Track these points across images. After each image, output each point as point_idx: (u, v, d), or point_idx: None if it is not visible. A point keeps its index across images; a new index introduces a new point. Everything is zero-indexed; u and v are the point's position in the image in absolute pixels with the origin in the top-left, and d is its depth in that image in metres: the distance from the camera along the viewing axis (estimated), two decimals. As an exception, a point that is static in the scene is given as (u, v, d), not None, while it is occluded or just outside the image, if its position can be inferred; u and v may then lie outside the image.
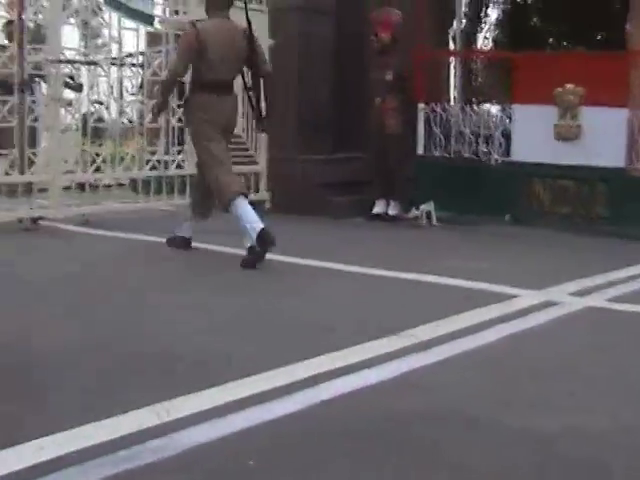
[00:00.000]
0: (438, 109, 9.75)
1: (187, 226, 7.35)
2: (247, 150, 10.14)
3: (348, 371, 3.85)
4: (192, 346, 4.31)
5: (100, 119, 9.21)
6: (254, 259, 6.45)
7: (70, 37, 8.82)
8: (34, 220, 8.49)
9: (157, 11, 9.49)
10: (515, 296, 5.63)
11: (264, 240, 6.40)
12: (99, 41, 8.93)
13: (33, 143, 8.88)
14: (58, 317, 4.93)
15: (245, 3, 7.53)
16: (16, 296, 5.46)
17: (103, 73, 8.97)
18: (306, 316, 5.01)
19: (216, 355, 4.13)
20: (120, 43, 9.22)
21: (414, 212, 9.53)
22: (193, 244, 7.33)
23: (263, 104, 7.30)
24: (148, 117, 8.80)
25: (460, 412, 3.41)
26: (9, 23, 8.88)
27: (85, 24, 8.82)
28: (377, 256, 7.21)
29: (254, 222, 6.49)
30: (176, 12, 9.71)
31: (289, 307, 5.29)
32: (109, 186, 9.42)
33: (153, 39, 9.34)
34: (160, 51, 9.39)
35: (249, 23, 7.19)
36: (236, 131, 9.77)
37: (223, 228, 7.10)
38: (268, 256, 6.55)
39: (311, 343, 4.36)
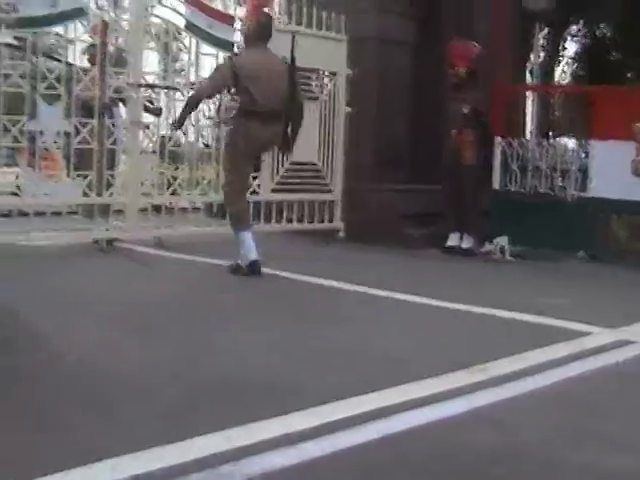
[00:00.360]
0: (515, 143, 9.70)
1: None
2: (323, 178, 10.19)
3: (418, 404, 3.82)
4: (262, 373, 4.32)
5: (177, 143, 9.31)
6: (235, 272, 7.45)
7: (149, 61, 8.96)
8: (109, 241, 8.62)
9: (236, 37, 9.59)
10: (588, 333, 5.53)
11: (253, 269, 7.38)
12: (177, 65, 9.03)
13: (111, 165, 9.02)
14: (132, 339, 4.99)
15: (293, 38, 7.94)
16: (91, 317, 5.54)
17: (182, 97, 9.10)
18: (377, 347, 5.01)
19: (286, 383, 4.13)
20: (198, 68, 9.38)
21: (488, 246, 9.47)
22: (263, 269, 7.41)
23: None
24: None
25: (532, 450, 3.37)
26: (91, 47, 9.04)
27: (165, 48, 8.94)
28: (449, 289, 7.17)
29: (251, 252, 7.43)
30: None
31: (359, 337, 5.28)
32: (185, 209, 9.52)
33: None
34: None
35: (293, 59, 7.77)
36: (313, 159, 9.89)
37: (292, 254, 7.14)
38: (344, 286, 6.77)
39: (381, 374, 4.34)
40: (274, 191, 9.79)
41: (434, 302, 6.46)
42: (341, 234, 10.23)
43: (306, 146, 9.86)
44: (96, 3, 8.74)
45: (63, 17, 8.21)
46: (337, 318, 5.91)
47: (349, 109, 10.33)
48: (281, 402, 3.76)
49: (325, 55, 10.21)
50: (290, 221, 10.00)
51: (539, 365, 4.64)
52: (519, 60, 12.99)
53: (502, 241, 9.32)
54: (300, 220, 10.06)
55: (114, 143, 8.87)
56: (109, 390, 3.92)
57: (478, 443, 3.42)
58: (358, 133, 10.52)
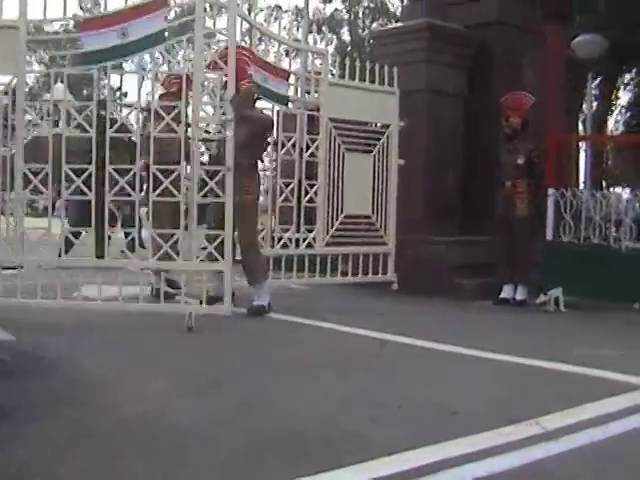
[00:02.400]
0: (568, 194, 9.68)
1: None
2: (377, 231, 10.25)
3: (473, 458, 3.83)
4: (321, 425, 4.36)
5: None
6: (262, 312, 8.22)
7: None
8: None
9: (290, 92, 9.73)
10: (644, 388, 5.50)
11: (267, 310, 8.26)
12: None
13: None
14: (185, 391, 5.08)
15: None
16: (160, 368, 5.70)
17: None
18: (432, 399, 5.02)
19: (342, 435, 4.17)
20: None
21: (542, 297, 9.43)
22: (327, 325, 7.56)
23: None
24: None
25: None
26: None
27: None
28: (503, 341, 7.15)
29: (268, 297, 8.39)
30: (307, 92, 9.95)
31: (410, 389, 5.30)
32: (240, 261, 9.60)
33: (285, 119, 9.57)
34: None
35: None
36: (366, 212, 9.96)
37: (346, 307, 7.17)
38: (396, 338, 6.90)
39: (436, 427, 4.37)
40: (328, 244, 9.86)
41: (487, 354, 6.47)
42: (395, 286, 10.26)
43: (360, 199, 9.95)
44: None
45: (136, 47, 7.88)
46: (389, 370, 5.94)
47: (401, 161, 10.40)
48: (339, 454, 3.80)
49: (378, 108, 10.32)
50: (344, 274, 10.05)
51: (595, 418, 4.61)
52: (571, 110, 12.99)
53: (556, 292, 9.27)
54: (355, 273, 10.11)
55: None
56: (170, 440, 4.01)
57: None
58: (409, 185, 10.59)
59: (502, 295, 9.73)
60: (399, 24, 13.82)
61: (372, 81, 10.21)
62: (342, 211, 9.86)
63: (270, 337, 7.30)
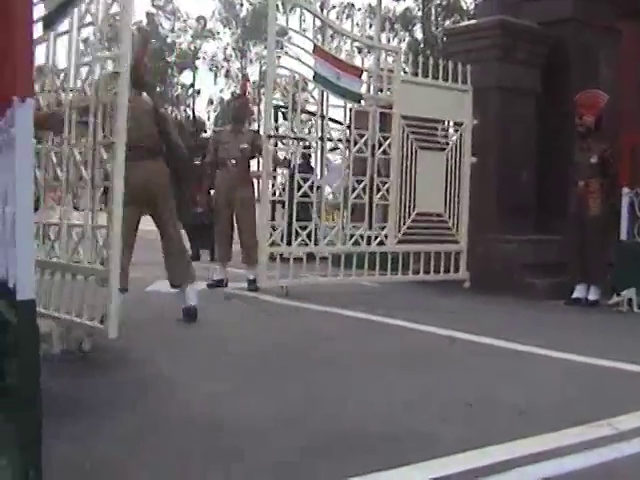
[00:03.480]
0: (643, 193, 9.54)
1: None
2: (449, 229, 10.24)
3: (542, 458, 3.81)
4: (383, 423, 4.38)
5: (306, 194, 9.47)
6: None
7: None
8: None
9: (362, 89, 9.75)
10: None
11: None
12: (303, 117, 9.19)
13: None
14: (252, 388, 5.14)
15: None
16: (210, 364, 5.80)
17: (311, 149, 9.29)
18: (500, 398, 5.00)
19: (408, 433, 4.18)
20: (324, 119, 9.59)
21: (615, 298, 9.30)
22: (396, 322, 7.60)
23: None
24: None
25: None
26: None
27: (294, 100, 9.14)
28: (574, 341, 7.08)
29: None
30: (380, 90, 9.96)
31: (482, 387, 5.30)
32: (312, 258, 9.65)
33: (358, 116, 9.60)
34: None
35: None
36: (439, 210, 9.96)
37: (418, 305, 7.17)
38: (467, 336, 6.95)
39: (504, 426, 4.36)
40: (400, 242, 9.88)
41: (558, 354, 6.42)
42: (466, 284, 10.23)
43: (432, 196, 9.95)
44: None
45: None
46: (457, 368, 5.94)
47: (474, 159, 10.37)
48: (402, 452, 3.81)
49: (450, 105, 10.33)
50: (416, 272, 10.06)
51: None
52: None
53: (630, 293, 9.14)
54: (426, 271, 10.11)
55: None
56: (224, 439, 4.05)
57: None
58: (482, 183, 10.54)
59: (574, 295, 9.62)
60: (472, 21, 13.71)
61: (445, 79, 10.19)
62: (414, 209, 9.87)
63: (336, 334, 7.33)
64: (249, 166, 10.17)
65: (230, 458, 3.75)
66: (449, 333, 7.16)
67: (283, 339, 6.85)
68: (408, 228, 9.94)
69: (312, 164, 10.20)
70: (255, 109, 54.09)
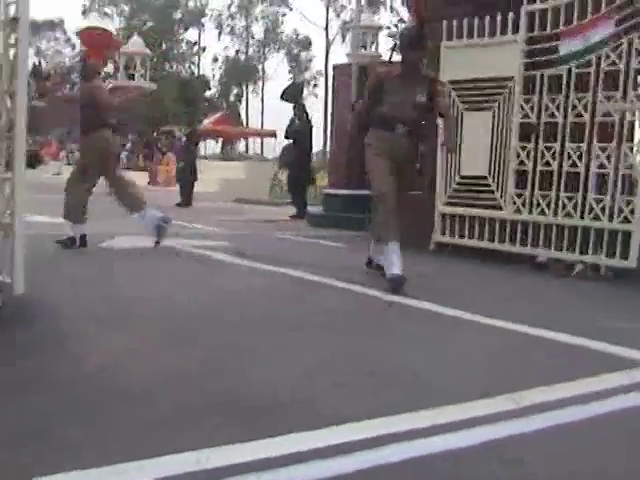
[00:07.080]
0: None
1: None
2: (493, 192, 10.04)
3: (429, 433, 3.54)
4: (280, 389, 4.14)
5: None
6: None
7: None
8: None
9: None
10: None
11: (397, 282, 7.26)
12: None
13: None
14: (164, 346, 4.96)
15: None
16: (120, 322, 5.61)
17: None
18: (410, 368, 4.75)
19: (301, 401, 3.95)
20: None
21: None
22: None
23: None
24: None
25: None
26: None
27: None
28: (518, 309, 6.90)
29: (395, 265, 7.35)
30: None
31: (396, 355, 5.06)
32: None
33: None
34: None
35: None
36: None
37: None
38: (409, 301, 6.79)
39: (403, 398, 4.09)
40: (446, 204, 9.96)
41: (492, 322, 6.15)
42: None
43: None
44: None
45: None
46: (381, 332, 5.70)
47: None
48: (289, 420, 3.62)
49: (498, 60, 9.75)
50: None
51: (582, 396, 4.23)
52: None
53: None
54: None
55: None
56: (119, 396, 3.87)
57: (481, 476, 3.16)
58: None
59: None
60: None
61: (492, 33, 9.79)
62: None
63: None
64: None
65: (110, 411, 3.63)
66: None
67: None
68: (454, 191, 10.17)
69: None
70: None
